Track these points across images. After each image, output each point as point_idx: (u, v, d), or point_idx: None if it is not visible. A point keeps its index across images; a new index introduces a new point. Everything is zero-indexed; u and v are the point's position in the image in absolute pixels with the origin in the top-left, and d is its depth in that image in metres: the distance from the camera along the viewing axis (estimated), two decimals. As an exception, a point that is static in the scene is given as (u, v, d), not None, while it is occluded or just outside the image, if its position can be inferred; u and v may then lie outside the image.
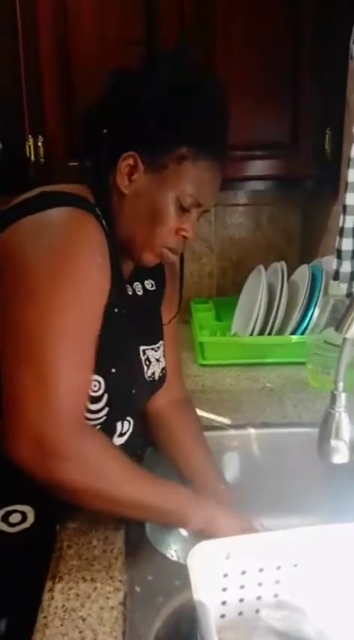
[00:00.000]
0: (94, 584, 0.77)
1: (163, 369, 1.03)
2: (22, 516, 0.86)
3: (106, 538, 0.86)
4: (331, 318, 1.31)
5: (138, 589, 0.77)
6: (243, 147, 1.49)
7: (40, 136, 1.51)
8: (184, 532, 0.95)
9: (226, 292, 1.99)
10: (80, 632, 0.70)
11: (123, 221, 0.88)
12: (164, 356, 1.04)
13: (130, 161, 0.86)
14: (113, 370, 0.85)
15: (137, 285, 1.00)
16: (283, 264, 1.54)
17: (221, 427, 1.21)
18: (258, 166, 1.57)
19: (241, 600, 0.69)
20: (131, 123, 0.86)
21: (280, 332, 1.50)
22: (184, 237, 0.90)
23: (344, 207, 1.24)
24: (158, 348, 1.02)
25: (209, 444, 1.06)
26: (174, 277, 1.07)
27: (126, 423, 0.93)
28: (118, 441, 0.92)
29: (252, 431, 1.20)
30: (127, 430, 0.94)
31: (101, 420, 0.86)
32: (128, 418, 0.93)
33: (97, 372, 0.82)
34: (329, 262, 1.39)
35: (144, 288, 1.02)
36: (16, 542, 0.87)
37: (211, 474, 1.00)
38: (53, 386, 0.73)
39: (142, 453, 1.07)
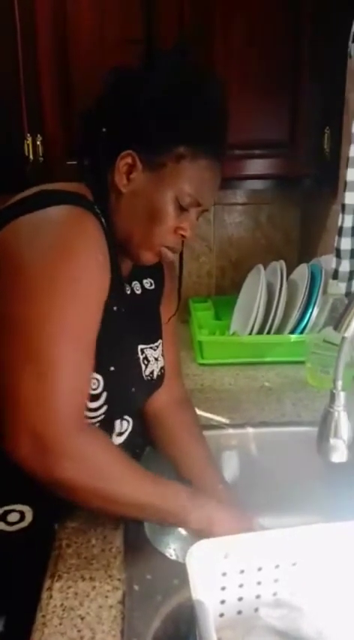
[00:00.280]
0: (92, 583, 0.77)
1: (162, 368, 1.03)
2: (20, 515, 0.86)
3: (104, 537, 0.86)
4: (330, 317, 1.31)
5: (137, 588, 0.77)
6: (242, 146, 1.49)
7: (38, 135, 1.51)
8: (182, 531, 0.95)
9: (225, 291, 1.99)
10: (79, 630, 0.70)
11: (121, 220, 0.88)
12: (163, 355, 1.04)
13: (129, 160, 0.86)
14: (112, 369, 0.85)
15: (136, 284, 1.00)
16: (282, 263, 1.54)
17: (220, 426, 1.21)
18: (257, 165, 1.57)
19: (240, 599, 0.69)
20: (130, 122, 0.86)
21: (279, 331, 1.50)
22: (183, 236, 0.90)
23: (343, 206, 1.24)
24: (157, 347, 1.02)
25: (208, 443, 1.06)
26: (173, 276, 1.07)
27: (125, 422, 0.92)
28: (117, 440, 0.92)
29: (251, 430, 1.20)
30: (126, 429, 0.93)
31: (100, 419, 0.86)
32: (127, 417, 0.93)
33: (96, 370, 0.82)
34: (328, 261, 1.39)
35: (142, 287, 1.02)
36: (14, 540, 0.87)
37: (210, 474, 1.00)
38: (53, 384, 0.73)
39: (141, 452, 1.07)
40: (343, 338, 0.78)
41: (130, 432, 0.95)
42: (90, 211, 0.82)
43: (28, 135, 1.51)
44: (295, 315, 1.48)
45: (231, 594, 0.68)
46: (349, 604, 0.68)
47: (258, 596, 0.70)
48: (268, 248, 1.98)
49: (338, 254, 1.27)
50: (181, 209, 0.88)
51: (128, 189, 0.87)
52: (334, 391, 0.80)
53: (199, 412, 1.16)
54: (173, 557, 1.00)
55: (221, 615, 0.69)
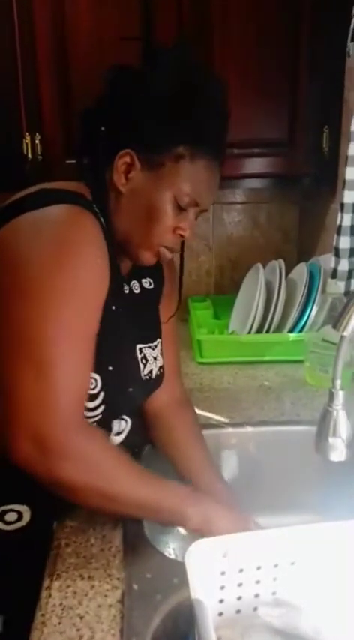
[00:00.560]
0: (91, 582, 0.77)
1: (161, 367, 1.03)
2: (18, 515, 0.86)
3: (103, 536, 0.86)
4: (329, 316, 1.31)
5: (136, 587, 0.77)
6: (241, 145, 1.49)
7: (37, 134, 1.51)
8: (182, 530, 0.95)
9: (224, 290, 2.00)
10: (78, 629, 0.70)
11: (120, 219, 0.88)
12: (162, 354, 1.04)
13: (127, 159, 0.86)
14: (110, 368, 0.85)
15: (134, 284, 1.00)
16: (281, 262, 1.54)
17: (219, 425, 1.21)
18: (256, 164, 1.57)
19: (239, 598, 0.69)
20: (129, 120, 0.85)
21: (278, 330, 1.50)
22: (182, 236, 0.90)
23: (342, 205, 1.24)
24: (155, 346, 1.02)
25: (207, 442, 1.06)
26: (172, 275, 1.07)
27: (123, 422, 0.92)
28: (116, 439, 0.92)
29: (250, 429, 1.20)
30: (124, 429, 0.93)
31: (97, 418, 0.86)
32: (125, 417, 0.93)
33: (94, 369, 0.82)
34: (327, 260, 1.39)
35: (141, 286, 1.01)
36: (12, 539, 0.87)
37: (210, 473, 1.00)
38: (53, 384, 0.73)
39: (140, 452, 1.07)
40: (342, 337, 0.78)
41: (129, 432, 0.95)
42: (89, 210, 0.82)
43: (27, 134, 1.51)
44: (294, 314, 1.48)
45: (230, 593, 0.68)
46: (348, 603, 0.68)
47: (257, 595, 0.70)
48: (267, 247, 1.98)
49: (337, 253, 1.27)
50: (180, 209, 0.87)
51: (127, 188, 0.87)
52: (333, 390, 0.80)
53: (198, 411, 1.16)
54: (172, 557, 1.00)
55: (220, 614, 0.69)
